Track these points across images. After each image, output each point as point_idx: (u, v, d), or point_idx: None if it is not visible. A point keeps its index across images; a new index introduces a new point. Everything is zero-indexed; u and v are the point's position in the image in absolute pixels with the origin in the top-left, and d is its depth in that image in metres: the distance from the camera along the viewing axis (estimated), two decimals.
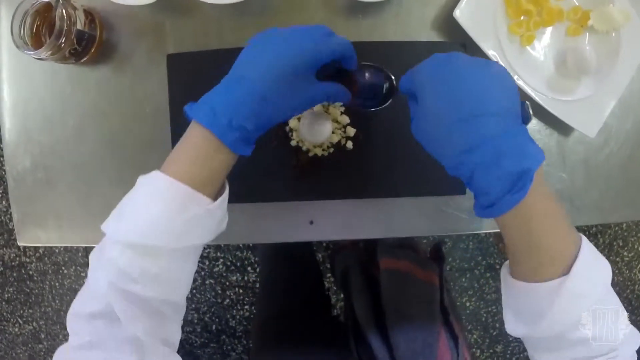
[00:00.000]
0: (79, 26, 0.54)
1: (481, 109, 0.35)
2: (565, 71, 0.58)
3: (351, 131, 0.55)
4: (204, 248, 1.38)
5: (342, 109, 0.55)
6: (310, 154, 0.55)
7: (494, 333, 1.40)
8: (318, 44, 0.39)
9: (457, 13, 0.54)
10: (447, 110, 0.36)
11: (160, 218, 0.35)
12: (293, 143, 0.56)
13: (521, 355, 1.42)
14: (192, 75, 0.57)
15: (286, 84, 0.37)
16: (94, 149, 0.60)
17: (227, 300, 1.36)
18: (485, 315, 1.39)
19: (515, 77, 0.56)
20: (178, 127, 0.56)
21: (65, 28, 0.52)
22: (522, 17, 0.57)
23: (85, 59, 0.58)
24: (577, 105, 0.58)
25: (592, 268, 0.37)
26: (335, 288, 1.26)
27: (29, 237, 0.61)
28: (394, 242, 0.75)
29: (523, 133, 0.36)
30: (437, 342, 0.65)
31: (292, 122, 0.55)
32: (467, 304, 1.39)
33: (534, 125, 0.60)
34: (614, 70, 0.58)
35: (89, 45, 0.57)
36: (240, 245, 1.32)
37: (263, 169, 0.56)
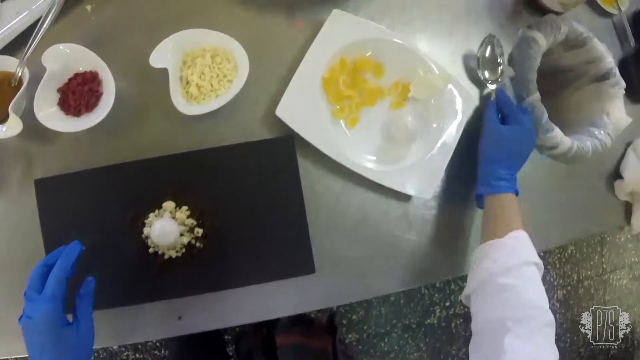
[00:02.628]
0: None
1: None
2: (393, 141, 0.63)
3: (199, 231, 0.60)
4: (123, 351, 1.36)
5: (188, 212, 0.61)
6: (166, 257, 0.60)
7: None
8: (46, 307, 0.46)
9: (278, 112, 0.60)
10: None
11: None
12: (151, 250, 0.60)
13: None
14: (61, 198, 0.63)
15: (61, 350, 0.46)
16: None
17: None
18: None
19: (342, 160, 0.60)
20: (52, 249, 0.62)
21: None
22: (344, 102, 0.62)
23: None
24: (410, 171, 0.62)
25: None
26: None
27: None
28: (288, 320, 0.79)
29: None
30: None
31: (146, 230, 0.60)
32: None
33: (377, 199, 0.64)
34: (441, 132, 0.63)
35: None
36: (157, 344, 1.34)
37: (127, 274, 0.61)
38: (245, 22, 0.64)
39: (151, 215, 0.60)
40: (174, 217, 0.60)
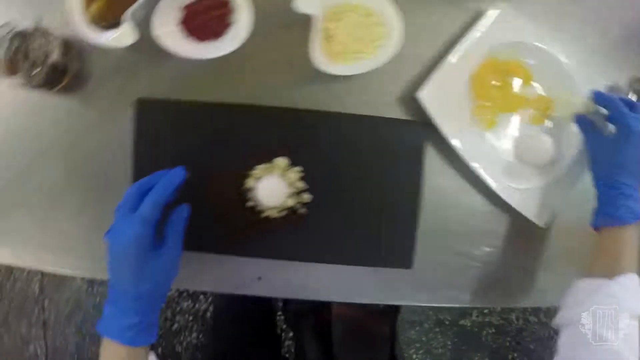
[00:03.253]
0: (54, 58, 0.54)
1: None
2: (523, 158, 0.59)
3: (307, 198, 0.56)
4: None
5: (300, 174, 0.56)
6: (264, 215, 0.56)
7: None
8: (137, 229, 0.44)
9: (421, 94, 0.55)
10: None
11: None
12: (250, 204, 0.56)
13: None
14: (161, 124, 0.58)
15: (143, 274, 0.44)
16: (53, 177, 0.60)
17: (176, 325, 1.35)
18: None
19: (471, 161, 0.57)
20: (140, 174, 0.56)
21: (39, 59, 0.53)
22: (487, 101, 0.59)
23: (55, 89, 0.58)
24: (530, 194, 0.59)
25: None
26: (284, 327, 1.26)
27: None
28: None
29: None
30: None
31: (250, 182, 0.56)
32: (414, 356, 1.40)
33: (489, 210, 0.61)
34: (570, 162, 0.60)
35: (61, 77, 0.57)
36: None
37: (218, 223, 0.57)
38: None
39: (259, 167, 0.56)
40: (283, 176, 0.56)
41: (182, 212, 0.49)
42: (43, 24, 0.54)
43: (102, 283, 1.38)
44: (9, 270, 1.40)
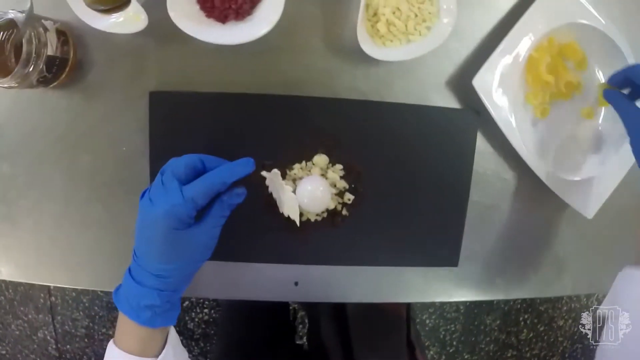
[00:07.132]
0: (50, 51, 0.47)
1: None
2: (574, 147, 0.56)
3: (350, 198, 0.51)
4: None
5: (342, 172, 0.51)
6: (303, 219, 0.51)
7: (451, 350, 1.44)
8: (177, 205, 0.39)
9: (475, 82, 0.50)
10: None
11: None
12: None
13: None
14: (178, 117, 0.51)
15: (170, 253, 0.39)
16: (61, 184, 0.53)
17: (187, 302, 1.33)
18: (443, 332, 1.42)
19: (522, 151, 0.52)
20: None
21: (34, 54, 0.45)
22: (540, 87, 0.54)
23: (53, 84, 0.50)
24: (578, 186, 0.56)
25: None
26: (298, 312, 1.24)
27: None
28: None
29: None
30: None
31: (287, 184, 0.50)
32: (427, 321, 1.41)
33: (535, 200, 0.58)
34: (620, 152, 0.56)
35: (59, 71, 0.49)
36: None
37: (251, 229, 0.52)
38: None
39: (297, 166, 0.51)
40: (324, 175, 0.51)
41: (237, 197, 0.43)
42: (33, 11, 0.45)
43: None
44: None
